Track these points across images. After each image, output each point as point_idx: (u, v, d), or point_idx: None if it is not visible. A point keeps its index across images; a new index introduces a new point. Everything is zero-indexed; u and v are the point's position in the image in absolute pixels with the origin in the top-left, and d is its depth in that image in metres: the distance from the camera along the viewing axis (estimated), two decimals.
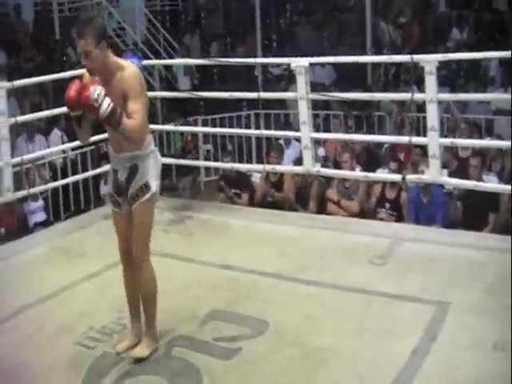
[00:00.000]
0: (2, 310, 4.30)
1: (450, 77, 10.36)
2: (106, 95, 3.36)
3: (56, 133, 9.65)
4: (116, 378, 3.59)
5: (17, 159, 6.09)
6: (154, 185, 3.66)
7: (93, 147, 8.73)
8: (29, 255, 5.31)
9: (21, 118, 6.39)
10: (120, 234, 3.80)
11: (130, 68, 3.54)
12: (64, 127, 9.50)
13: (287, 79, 12.01)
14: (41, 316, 4.28)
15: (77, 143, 6.56)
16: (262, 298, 4.33)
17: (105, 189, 8.26)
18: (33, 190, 6.39)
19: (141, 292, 3.76)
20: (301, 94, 5.75)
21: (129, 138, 3.51)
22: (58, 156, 8.98)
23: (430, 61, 5.14)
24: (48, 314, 4.29)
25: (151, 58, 11.69)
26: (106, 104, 3.35)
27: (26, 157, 6.73)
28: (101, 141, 6.46)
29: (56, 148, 8.39)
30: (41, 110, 9.54)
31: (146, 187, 3.64)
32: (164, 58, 12.67)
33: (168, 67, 12.78)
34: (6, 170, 5.74)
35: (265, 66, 13.18)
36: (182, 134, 10.57)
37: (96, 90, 3.35)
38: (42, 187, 7.11)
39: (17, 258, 5.25)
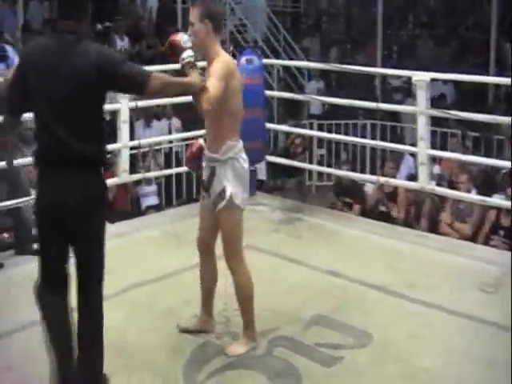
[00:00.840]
0: (111, 286, 4.38)
1: None
2: (192, 48, 3.43)
3: (175, 121, 9.85)
4: (217, 367, 3.62)
5: (134, 142, 6.25)
6: (230, 193, 3.59)
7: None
8: (140, 236, 5.47)
9: (141, 103, 6.54)
10: (201, 221, 3.87)
11: (224, 57, 3.56)
12: (182, 116, 9.65)
13: (405, 92, 11.86)
14: (149, 296, 4.39)
15: (194, 133, 6.65)
16: (367, 309, 4.28)
17: None
18: (148, 175, 6.54)
19: (237, 296, 3.75)
20: (420, 109, 5.66)
21: (200, 107, 3.40)
22: (175, 144, 9.12)
23: None
24: (155, 295, 4.39)
25: (270, 58, 11.76)
26: (188, 53, 3.40)
27: (144, 141, 6.91)
28: None
29: (174, 136, 8.55)
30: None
31: (223, 193, 3.60)
32: (283, 59, 12.71)
33: (286, 68, 12.80)
34: (123, 152, 5.89)
35: (384, 77, 13.04)
36: (287, 135, 10.49)
37: (187, 37, 3.46)
38: (157, 173, 7.28)
39: (129, 238, 5.41)
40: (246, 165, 3.67)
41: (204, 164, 3.73)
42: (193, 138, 8.37)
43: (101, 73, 3.00)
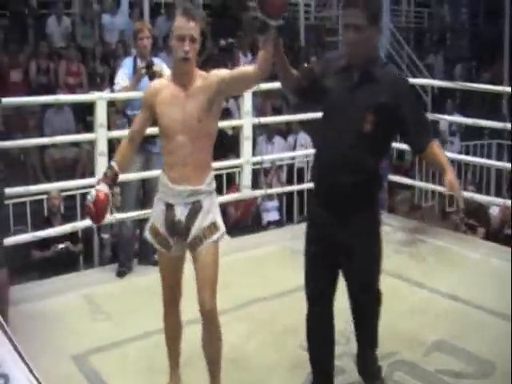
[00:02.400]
0: (231, 300, 4.46)
1: None
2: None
3: (302, 136, 9.90)
4: None
5: (257, 158, 6.31)
6: (222, 224, 3.31)
7: None
8: (261, 251, 5.57)
9: (264, 119, 6.62)
10: (166, 279, 3.37)
11: None
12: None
13: None
14: (267, 312, 4.43)
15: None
16: (490, 337, 4.14)
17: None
18: (270, 191, 6.59)
19: (209, 350, 3.32)
20: None
21: (260, 71, 3.08)
22: (298, 160, 9.10)
23: None
24: (275, 312, 4.42)
25: None
26: None
27: (266, 157, 6.99)
28: None
29: (297, 152, 8.58)
30: (281, 113, 9.90)
31: (214, 227, 3.24)
32: (407, 76, 12.51)
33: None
34: (246, 168, 5.98)
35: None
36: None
37: None
38: (279, 189, 7.31)
39: (250, 253, 5.52)
40: None
41: (173, 202, 3.24)
42: None
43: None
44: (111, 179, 3.25)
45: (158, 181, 3.36)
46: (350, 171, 3.12)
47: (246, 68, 3.28)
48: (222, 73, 3.24)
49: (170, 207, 3.25)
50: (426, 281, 4.88)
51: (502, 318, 4.39)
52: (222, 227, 3.29)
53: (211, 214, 3.25)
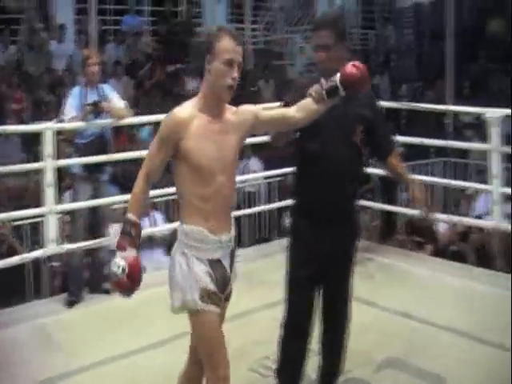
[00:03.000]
0: (180, 326, 4.41)
1: None
2: None
3: (254, 161, 9.94)
4: None
5: None
6: None
7: (281, 178, 8.87)
8: None
9: None
10: (221, 338, 2.91)
11: None
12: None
13: (477, 128, 11.68)
14: None
15: (269, 173, 6.69)
16: (440, 353, 4.20)
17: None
18: None
19: None
20: (493, 146, 5.55)
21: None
22: (248, 184, 9.13)
23: None
24: (227, 335, 4.37)
25: None
26: None
27: None
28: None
29: (251, 175, 8.59)
30: None
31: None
32: None
33: None
34: None
35: (455, 113, 12.90)
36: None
37: None
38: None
39: None
40: None
41: (219, 256, 2.79)
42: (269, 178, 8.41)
43: None
44: (137, 237, 2.76)
45: (183, 237, 2.78)
46: (349, 182, 3.33)
47: (287, 110, 3.02)
48: (255, 109, 2.95)
49: (216, 263, 2.78)
50: (376, 299, 4.93)
51: (450, 332, 4.47)
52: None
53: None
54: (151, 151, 2.78)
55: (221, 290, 2.80)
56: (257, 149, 9.41)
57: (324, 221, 3.33)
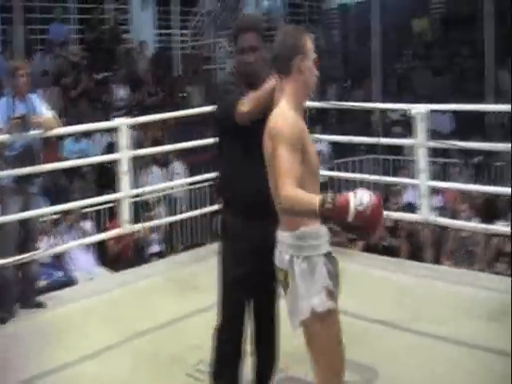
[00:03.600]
0: (117, 335, 4.45)
1: None
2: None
3: (178, 166, 9.93)
4: None
5: (136, 191, 6.24)
6: None
7: (212, 182, 8.88)
8: (143, 284, 5.51)
9: (141, 152, 6.59)
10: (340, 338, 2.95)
11: None
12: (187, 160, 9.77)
13: (404, 125, 11.93)
14: (154, 343, 4.40)
15: (197, 178, 6.69)
16: (373, 345, 4.27)
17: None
18: (149, 224, 6.53)
19: None
20: (419, 142, 5.67)
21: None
22: (178, 189, 9.20)
23: None
24: (161, 342, 4.41)
25: None
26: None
27: (146, 189, 6.95)
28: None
29: (178, 181, 8.59)
30: (162, 143, 9.90)
31: None
32: None
33: None
34: (124, 202, 5.91)
35: (383, 111, 13.14)
36: None
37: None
38: (158, 221, 7.24)
39: (132, 286, 5.45)
40: None
41: (328, 248, 2.85)
42: (198, 183, 8.45)
43: None
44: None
45: (300, 242, 2.78)
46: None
47: None
48: None
49: (330, 256, 2.84)
50: None
51: (382, 324, 4.56)
52: None
53: None
54: (287, 161, 2.67)
55: (336, 285, 2.84)
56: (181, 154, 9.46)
57: (257, 218, 3.32)
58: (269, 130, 2.83)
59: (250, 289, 3.46)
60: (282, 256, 2.84)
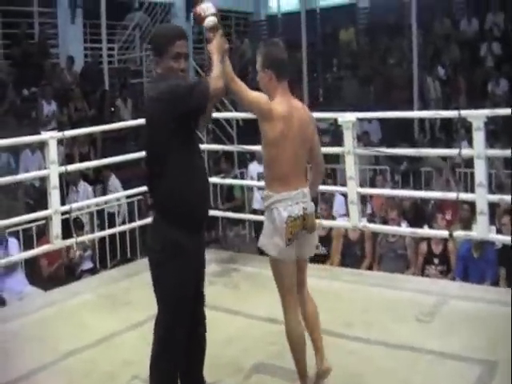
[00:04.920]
0: (48, 355, 4.36)
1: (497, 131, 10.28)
2: (214, 14, 3.43)
3: (113, 181, 9.84)
4: None
5: (65, 207, 6.14)
6: (262, 243, 3.62)
7: (140, 197, 8.81)
8: (75, 302, 5.41)
9: (71, 167, 6.50)
10: None
11: (275, 101, 3.62)
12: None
13: (333, 133, 12.08)
14: (87, 362, 4.32)
15: (129, 192, 6.64)
16: (307, 353, 4.28)
17: None
18: (80, 239, 6.43)
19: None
20: (347, 149, 5.76)
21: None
22: (109, 205, 9.09)
23: (477, 116, 5.10)
24: (94, 360, 4.33)
25: None
26: (210, 19, 3.41)
27: (75, 205, 6.84)
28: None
29: (109, 196, 8.50)
30: (89, 159, 9.79)
31: None
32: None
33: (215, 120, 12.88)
34: (55, 218, 5.81)
35: None
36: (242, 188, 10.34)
37: (208, 4, 3.46)
38: (90, 236, 7.14)
39: (63, 305, 5.35)
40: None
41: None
42: (131, 196, 8.36)
43: None
44: None
45: None
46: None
47: None
48: None
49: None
50: (242, 308, 4.99)
51: None
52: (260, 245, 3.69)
53: None
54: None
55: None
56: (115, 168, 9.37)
57: (199, 231, 3.42)
58: (310, 114, 3.71)
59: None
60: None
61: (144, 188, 6.67)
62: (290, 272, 3.64)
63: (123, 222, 8.79)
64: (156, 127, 3.31)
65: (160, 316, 3.47)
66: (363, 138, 11.64)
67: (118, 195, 8.31)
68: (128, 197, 8.46)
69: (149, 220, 7.23)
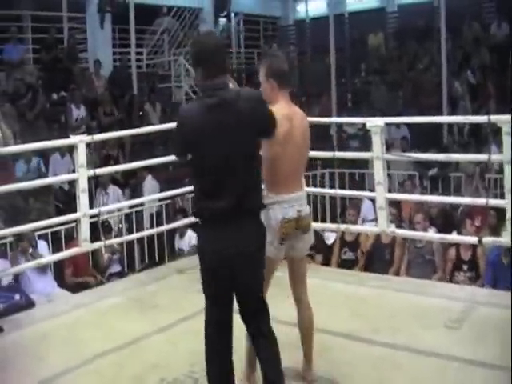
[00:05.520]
0: (76, 357, 4.39)
1: None
2: None
3: (149, 181, 9.90)
4: None
5: (94, 210, 6.19)
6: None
7: (169, 201, 8.84)
8: (103, 304, 5.45)
9: (99, 171, 6.53)
10: None
11: (278, 108, 3.66)
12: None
13: (361, 138, 12.04)
14: (115, 364, 4.34)
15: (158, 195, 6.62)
16: (333, 358, 4.28)
17: (180, 243, 8.32)
18: (108, 242, 6.45)
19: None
20: (376, 154, 5.72)
21: None
22: (146, 206, 9.10)
23: (507, 121, 5.01)
24: (122, 363, 4.36)
25: None
26: None
27: (104, 208, 6.89)
28: (177, 195, 6.55)
29: (144, 198, 8.50)
30: (118, 162, 9.86)
31: None
32: None
33: None
34: (83, 221, 5.85)
35: (340, 125, 13.23)
36: None
37: None
38: (118, 239, 7.16)
39: (91, 307, 5.39)
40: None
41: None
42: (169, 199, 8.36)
43: None
44: None
45: None
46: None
47: None
48: None
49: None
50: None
51: (342, 337, 4.58)
52: None
53: None
54: None
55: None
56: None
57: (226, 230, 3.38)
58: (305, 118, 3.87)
59: None
60: None
61: (180, 190, 6.74)
62: (274, 269, 3.86)
63: (151, 226, 8.80)
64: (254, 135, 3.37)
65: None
66: (402, 144, 11.65)
67: (154, 197, 8.24)
68: (160, 200, 8.49)
69: (177, 224, 7.31)
